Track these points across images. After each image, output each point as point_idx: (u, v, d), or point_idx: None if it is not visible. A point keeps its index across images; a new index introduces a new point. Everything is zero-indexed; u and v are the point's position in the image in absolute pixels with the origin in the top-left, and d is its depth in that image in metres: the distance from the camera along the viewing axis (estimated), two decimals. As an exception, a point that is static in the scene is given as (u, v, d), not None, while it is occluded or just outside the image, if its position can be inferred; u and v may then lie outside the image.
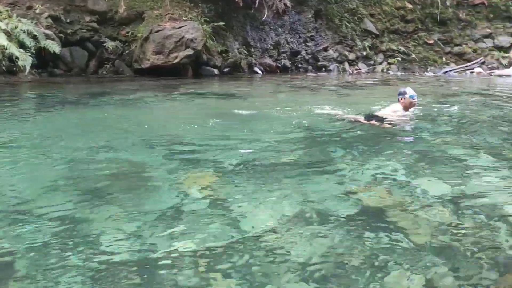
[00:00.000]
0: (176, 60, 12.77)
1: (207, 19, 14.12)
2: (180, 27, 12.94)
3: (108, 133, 5.63)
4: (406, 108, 6.38)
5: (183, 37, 12.72)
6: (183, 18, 13.73)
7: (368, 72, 16.13)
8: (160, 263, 2.45)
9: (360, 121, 6.20)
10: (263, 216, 3.07)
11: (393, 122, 6.13)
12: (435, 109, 7.50)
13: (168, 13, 13.77)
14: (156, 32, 12.86)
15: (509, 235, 2.80)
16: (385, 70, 16.50)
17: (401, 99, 6.38)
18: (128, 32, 13.75)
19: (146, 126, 6.21)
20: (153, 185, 3.68)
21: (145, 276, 2.34)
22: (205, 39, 13.45)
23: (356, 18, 17.16)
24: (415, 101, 6.36)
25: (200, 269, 2.40)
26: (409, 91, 6.39)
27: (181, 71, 13.17)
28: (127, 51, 13.63)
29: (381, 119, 6.15)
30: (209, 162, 4.32)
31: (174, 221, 2.98)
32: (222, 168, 4.13)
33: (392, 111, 6.36)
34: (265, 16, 14.50)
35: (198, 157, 4.51)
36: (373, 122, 6.11)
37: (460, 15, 17.96)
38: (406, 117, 6.33)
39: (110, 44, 13.37)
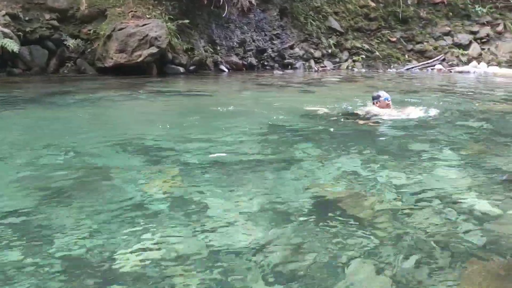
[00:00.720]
0: (140, 59, 12.54)
1: (171, 17, 13.93)
2: (143, 25, 12.71)
3: (70, 132, 5.48)
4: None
5: (147, 35, 12.50)
6: (147, 16, 13.50)
7: (333, 69, 16.30)
8: (122, 261, 2.39)
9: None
10: (227, 213, 3.04)
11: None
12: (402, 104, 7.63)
13: (131, 11, 13.51)
14: (119, 30, 12.59)
15: (466, 226, 2.86)
16: (350, 67, 16.71)
17: (376, 102, 6.50)
18: (90, 30, 13.41)
19: (109, 126, 6.08)
20: (116, 184, 3.59)
21: (105, 274, 2.27)
22: (170, 37, 13.27)
23: (320, 16, 17.29)
24: (389, 102, 6.49)
25: (162, 267, 2.35)
26: (383, 94, 6.55)
27: (145, 69, 12.93)
28: (89, 50, 13.30)
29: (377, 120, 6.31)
30: (174, 160, 4.26)
31: (136, 219, 2.92)
32: (186, 166, 4.08)
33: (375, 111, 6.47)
34: (226, 13, 14.40)
35: (162, 156, 4.44)
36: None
37: (421, 13, 18.36)
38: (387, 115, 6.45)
39: (71, 43, 13.02)
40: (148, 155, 4.45)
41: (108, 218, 2.93)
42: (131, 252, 2.50)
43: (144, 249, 2.53)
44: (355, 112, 6.65)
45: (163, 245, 2.59)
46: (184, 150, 4.62)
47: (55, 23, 13.05)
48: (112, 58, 12.50)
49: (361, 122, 6.22)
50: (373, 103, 6.56)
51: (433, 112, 6.61)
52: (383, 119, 6.25)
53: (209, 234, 2.72)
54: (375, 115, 6.39)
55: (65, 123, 6.12)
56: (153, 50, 12.62)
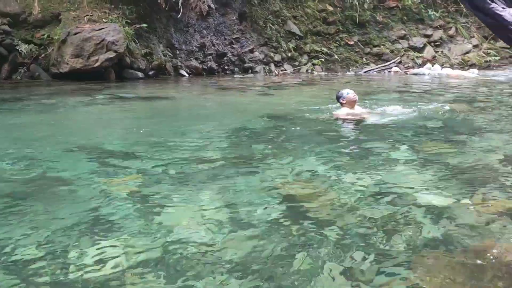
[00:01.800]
0: (97, 64, 12.25)
1: (129, 21, 13.69)
2: (100, 29, 12.44)
3: (25, 139, 5.28)
4: (352, 106, 6.49)
5: (103, 39, 12.24)
6: (103, 20, 13.21)
7: (293, 73, 16.44)
8: (79, 268, 2.29)
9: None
10: (189, 217, 2.97)
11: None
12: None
13: (87, 15, 13.19)
14: (75, 34, 12.28)
15: (421, 220, 2.92)
16: (309, 71, 16.90)
17: (343, 100, 6.50)
18: (43, 35, 13.01)
19: (66, 132, 5.88)
20: (74, 191, 3.47)
21: (62, 282, 2.17)
22: (128, 41, 13.03)
23: (280, 20, 17.43)
24: (355, 96, 6.49)
25: (121, 275, 2.26)
26: (344, 90, 6.58)
27: (103, 74, 12.67)
28: (43, 55, 12.90)
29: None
30: (134, 166, 4.15)
31: (95, 226, 2.82)
32: (147, 171, 3.99)
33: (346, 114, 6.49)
34: (180, 15, 14.25)
35: (121, 162, 4.32)
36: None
37: (377, 17, 18.83)
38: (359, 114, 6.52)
39: (24, 48, 12.58)
40: (107, 161, 4.32)
41: (66, 225, 2.81)
42: (89, 259, 2.41)
43: (103, 256, 2.44)
44: (324, 115, 6.68)
45: (122, 252, 2.50)
46: (144, 156, 4.51)
47: (6, 28, 12.57)
48: (67, 63, 12.16)
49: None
50: (341, 104, 6.56)
51: (391, 112, 6.75)
52: (347, 120, 6.32)
53: (171, 240, 2.65)
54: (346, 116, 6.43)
55: (19, 130, 5.88)
56: (111, 54, 12.37)
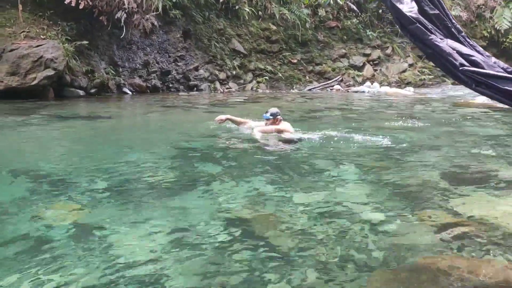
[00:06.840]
0: (35, 82, 11.77)
1: (69, 38, 13.30)
2: (38, 46, 11.98)
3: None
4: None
5: (41, 56, 11.79)
6: (41, 36, 12.75)
7: (238, 91, 16.54)
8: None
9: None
10: (132, 243, 2.88)
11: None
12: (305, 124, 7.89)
13: (23, 31, 12.68)
14: (10, 51, 11.76)
15: (366, 239, 2.99)
16: (254, 88, 17.07)
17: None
18: (-24, 52, 12.35)
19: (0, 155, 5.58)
20: (11, 217, 3.27)
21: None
22: (67, 58, 12.63)
23: (224, 38, 17.54)
24: (266, 121, 6.48)
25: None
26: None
27: (41, 93, 12.17)
28: (-25, 73, 12.22)
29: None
30: (75, 189, 3.99)
31: (36, 254, 2.68)
32: (89, 195, 3.85)
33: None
34: (124, 34, 13.99)
35: (61, 185, 4.14)
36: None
37: (319, 37, 19.39)
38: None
39: (-47, 65, 11.87)
40: (42, 186, 4.13)
41: (2, 255, 2.65)
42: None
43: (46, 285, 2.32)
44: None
45: (64, 281, 2.38)
46: (84, 179, 4.34)
47: None
48: (2, 81, 11.59)
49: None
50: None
51: (333, 131, 6.91)
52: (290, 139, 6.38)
53: (114, 267, 2.56)
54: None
55: None
56: (49, 72, 11.92)
